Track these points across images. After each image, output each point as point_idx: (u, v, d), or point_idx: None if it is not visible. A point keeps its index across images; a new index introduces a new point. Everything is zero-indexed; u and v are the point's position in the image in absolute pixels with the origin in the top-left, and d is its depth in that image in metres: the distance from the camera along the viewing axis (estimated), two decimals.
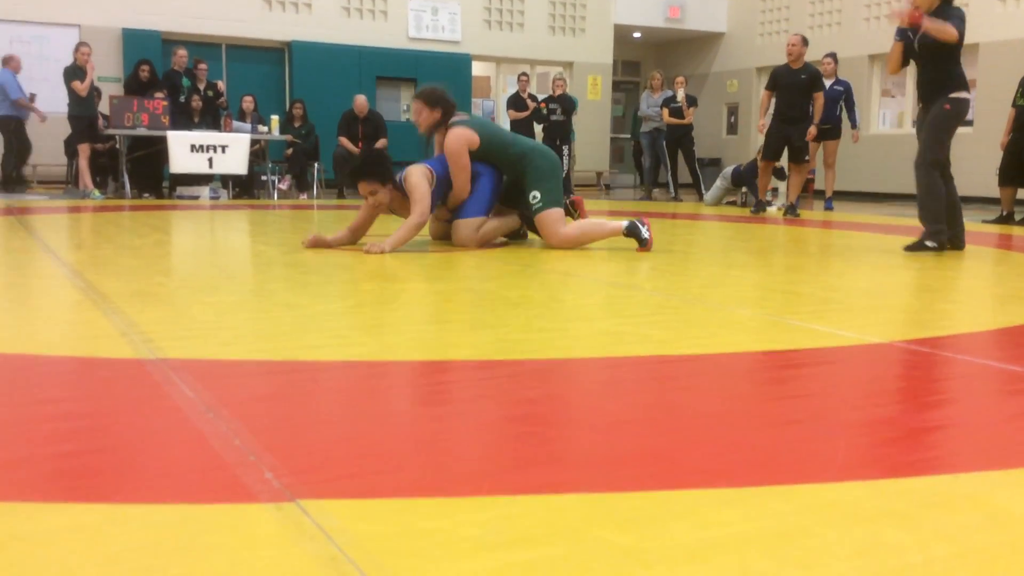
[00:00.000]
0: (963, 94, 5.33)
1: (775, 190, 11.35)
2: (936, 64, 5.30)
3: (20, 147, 10.93)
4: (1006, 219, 8.80)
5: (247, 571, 1.13)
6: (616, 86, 17.69)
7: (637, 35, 17.57)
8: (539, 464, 1.58)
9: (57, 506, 1.34)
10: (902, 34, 5.38)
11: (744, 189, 11.44)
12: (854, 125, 10.58)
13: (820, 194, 14.07)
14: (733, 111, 16.99)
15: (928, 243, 5.32)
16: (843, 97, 10.35)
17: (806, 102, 9.15)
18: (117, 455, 1.60)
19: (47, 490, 1.41)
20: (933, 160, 5.33)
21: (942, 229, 5.33)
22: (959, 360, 2.53)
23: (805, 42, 9.09)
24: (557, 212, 5.16)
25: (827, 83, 9.93)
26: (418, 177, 4.99)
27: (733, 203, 11.64)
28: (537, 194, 5.16)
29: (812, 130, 9.16)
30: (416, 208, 4.91)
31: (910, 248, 5.35)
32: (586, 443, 1.72)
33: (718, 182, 11.76)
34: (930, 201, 5.34)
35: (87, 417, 1.83)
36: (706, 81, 17.33)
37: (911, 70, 5.61)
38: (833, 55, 10.49)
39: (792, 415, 1.92)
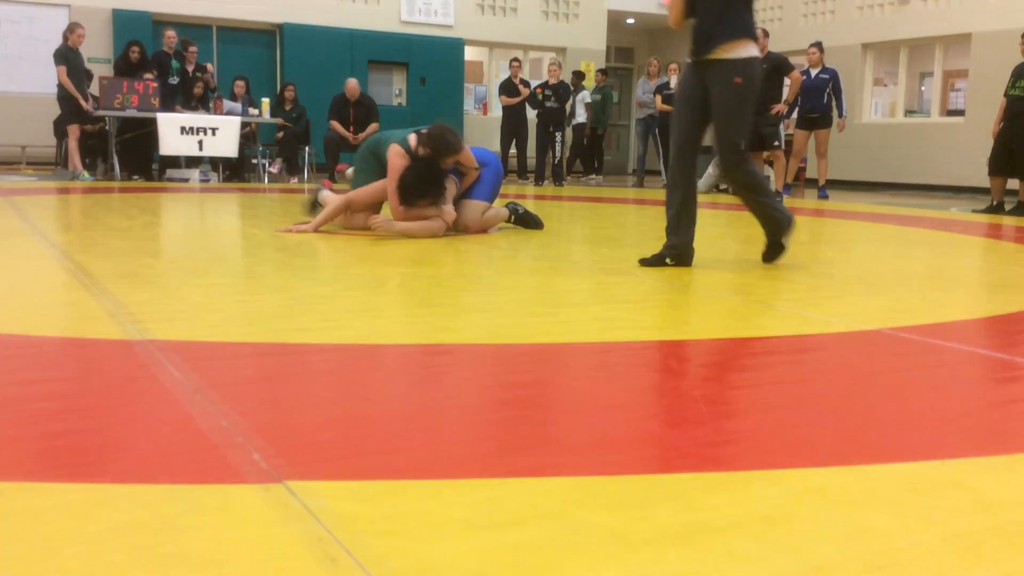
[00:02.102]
0: (750, 49, 3.92)
1: (768, 178, 11.36)
2: (723, 7, 3.94)
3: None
4: (996, 209, 8.82)
5: (233, 551, 1.13)
6: (609, 72, 17.63)
7: (631, 21, 17.50)
8: (527, 447, 1.58)
9: (43, 485, 1.34)
10: None
11: None
12: (840, 114, 10.62)
13: (812, 183, 14.10)
14: None
15: (783, 241, 4.14)
16: (830, 85, 10.39)
17: (772, 91, 9.25)
18: (104, 435, 1.59)
19: (33, 469, 1.41)
20: (743, 155, 4.03)
21: (785, 223, 4.09)
22: (948, 347, 2.54)
23: (766, 34, 9.22)
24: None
25: (813, 72, 10.03)
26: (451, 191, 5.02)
27: (725, 190, 11.64)
28: None
29: (779, 106, 9.22)
30: (446, 216, 4.91)
31: (768, 259, 4.17)
32: (575, 427, 1.72)
33: (709, 169, 11.74)
34: (767, 199, 4.12)
35: (74, 397, 1.82)
36: None
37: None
38: (818, 44, 10.49)
39: (781, 401, 1.93)
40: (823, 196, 10.72)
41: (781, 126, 9.51)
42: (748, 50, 3.91)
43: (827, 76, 10.38)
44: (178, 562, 1.10)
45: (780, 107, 9.26)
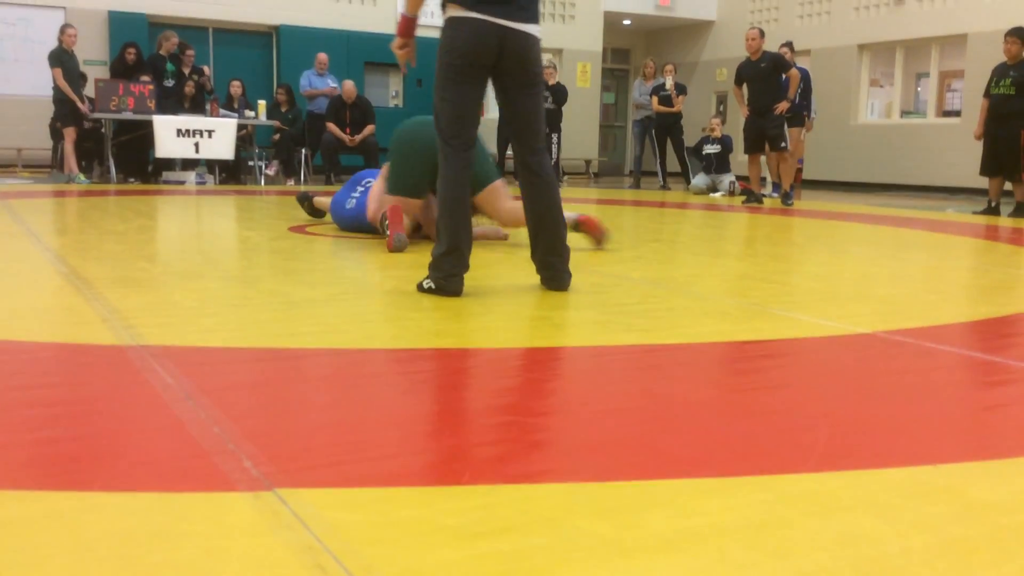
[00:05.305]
0: (449, 11, 3.28)
1: (764, 179, 11.35)
2: None
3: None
4: (993, 210, 8.80)
5: (223, 559, 1.13)
6: (606, 73, 17.64)
7: (627, 22, 17.51)
8: (520, 453, 1.58)
9: (33, 493, 1.33)
10: None
11: (733, 178, 11.47)
12: (809, 115, 10.68)
13: (807, 184, 14.11)
14: (722, 100, 16.95)
15: (425, 283, 3.20)
16: (802, 85, 10.43)
17: (773, 91, 9.27)
18: (95, 442, 1.59)
19: (24, 477, 1.40)
20: (443, 137, 3.26)
21: (453, 249, 3.13)
22: (942, 351, 2.54)
23: (763, 34, 9.27)
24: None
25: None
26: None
27: (717, 193, 11.64)
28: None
29: (783, 105, 9.22)
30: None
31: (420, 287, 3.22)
32: (568, 432, 1.71)
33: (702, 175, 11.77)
34: (443, 206, 3.16)
35: (66, 404, 1.81)
36: (695, 69, 17.30)
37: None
38: (789, 44, 10.48)
39: (774, 405, 1.92)
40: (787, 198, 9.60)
41: (785, 126, 9.48)
42: (448, 11, 3.30)
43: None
44: (168, 571, 1.09)
45: (783, 106, 9.25)
